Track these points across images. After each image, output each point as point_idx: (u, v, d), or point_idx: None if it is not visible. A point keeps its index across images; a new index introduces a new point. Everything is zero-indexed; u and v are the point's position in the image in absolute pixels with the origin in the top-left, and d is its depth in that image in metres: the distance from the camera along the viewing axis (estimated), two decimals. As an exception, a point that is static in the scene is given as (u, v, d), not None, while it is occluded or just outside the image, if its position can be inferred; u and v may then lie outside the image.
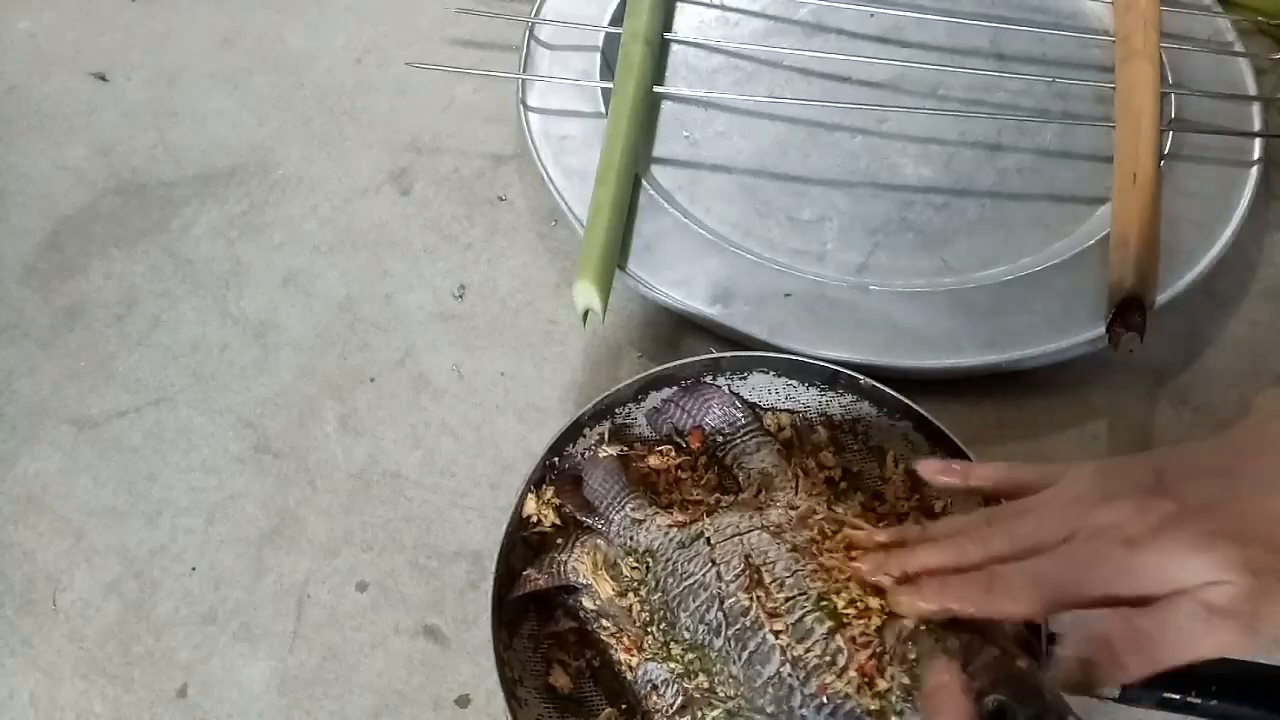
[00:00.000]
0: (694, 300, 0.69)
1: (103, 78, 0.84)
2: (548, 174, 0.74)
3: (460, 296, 0.74)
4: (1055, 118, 0.78)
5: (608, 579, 0.56)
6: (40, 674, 0.61)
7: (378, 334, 0.72)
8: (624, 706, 0.55)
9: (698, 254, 0.71)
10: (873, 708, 0.46)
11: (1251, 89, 0.77)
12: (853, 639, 0.47)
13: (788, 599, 0.49)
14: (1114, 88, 0.76)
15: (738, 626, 0.50)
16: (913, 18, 0.82)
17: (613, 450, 0.61)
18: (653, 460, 0.62)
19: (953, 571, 0.45)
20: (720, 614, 0.50)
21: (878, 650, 0.47)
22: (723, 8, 0.84)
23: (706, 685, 0.51)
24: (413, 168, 0.79)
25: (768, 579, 0.50)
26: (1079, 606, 0.42)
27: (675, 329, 0.71)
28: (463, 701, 0.60)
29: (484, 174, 0.79)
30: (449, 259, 0.75)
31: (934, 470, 0.52)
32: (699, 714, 0.52)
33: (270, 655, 0.61)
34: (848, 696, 0.46)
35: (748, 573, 0.51)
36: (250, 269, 0.75)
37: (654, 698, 0.53)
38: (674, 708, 0.53)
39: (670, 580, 0.53)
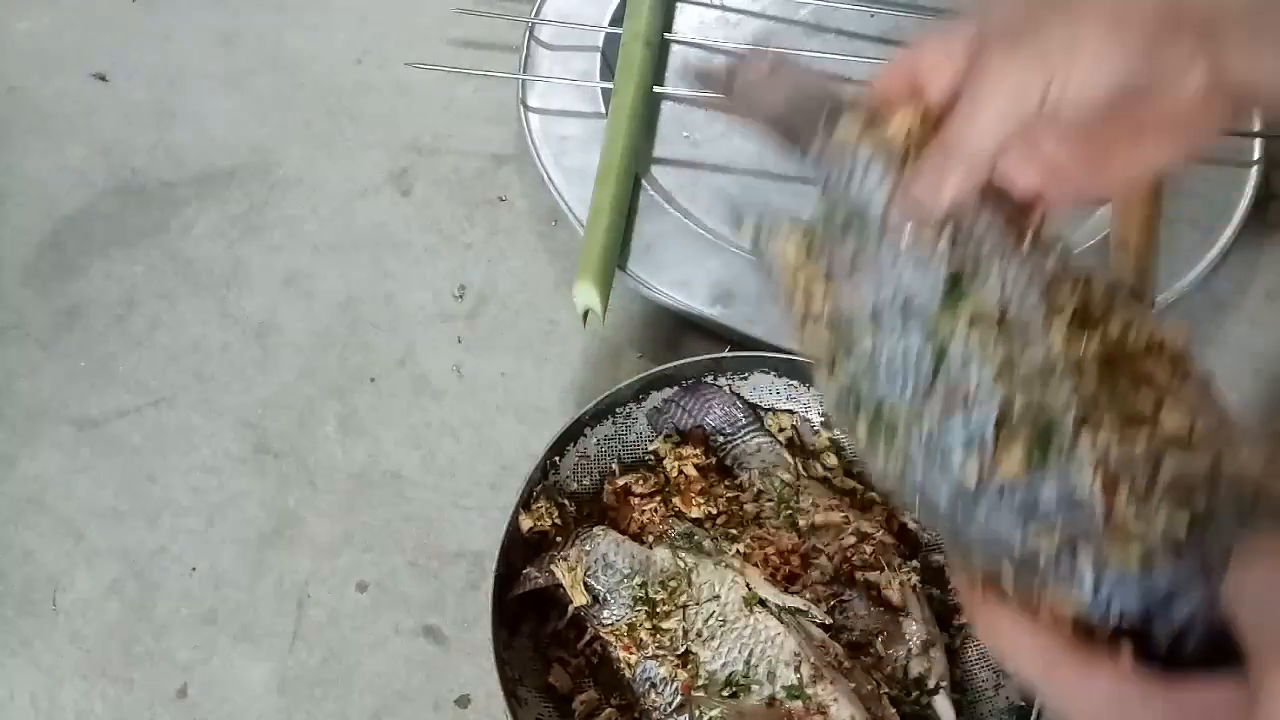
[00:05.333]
0: (694, 300, 0.69)
1: (103, 78, 0.84)
2: (548, 174, 0.74)
3: (460, 296, 0.74)
4: (1055, 118, 0.78)
5: (583, 590, 0.56)
6: (40, 674, 0.61)
7: (378, 334, 0.72)
8: (622, 703, 0.55)
9: (698, 254, 0.71)
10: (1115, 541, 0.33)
11: (1251, 89, 0.77)
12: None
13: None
14: (1114, 88, 0.76)
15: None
16: (913, 18, 0.82)
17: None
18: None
19: None
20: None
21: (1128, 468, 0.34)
22: (723, 8, 0.84)
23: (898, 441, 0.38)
24: (413, 168, 0.79)
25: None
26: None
27: (675, 329, 0.71)
28: (463, 702, 0.60)
29: (484, 174, 0.79)
30: (449, 259, 0.75)
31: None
32: (696, 713, 0.52)
33: (270, 655, 0.61)
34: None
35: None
36: (250, 269, 0.75)
37: (652, 695, 0.54)
38: (671, 705, 0.53)
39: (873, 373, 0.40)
